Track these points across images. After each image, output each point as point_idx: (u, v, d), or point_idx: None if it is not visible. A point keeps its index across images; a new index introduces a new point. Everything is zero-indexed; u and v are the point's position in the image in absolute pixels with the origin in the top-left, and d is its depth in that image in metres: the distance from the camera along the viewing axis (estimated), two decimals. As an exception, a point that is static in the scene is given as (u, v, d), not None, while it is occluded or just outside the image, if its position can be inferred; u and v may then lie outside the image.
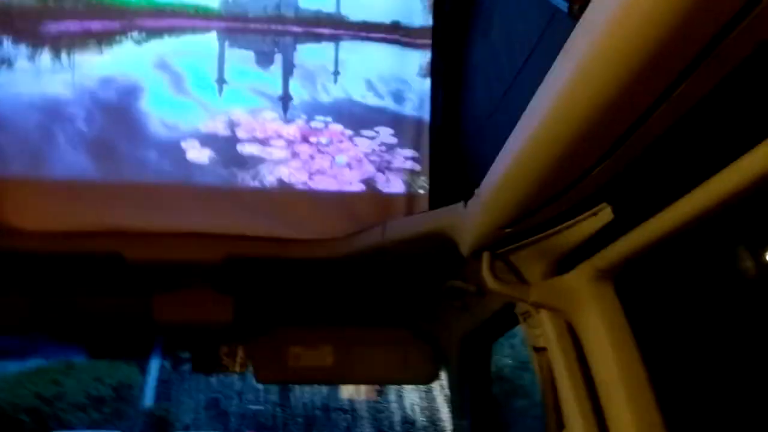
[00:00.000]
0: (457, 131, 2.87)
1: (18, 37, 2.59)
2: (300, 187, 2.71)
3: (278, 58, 2.81)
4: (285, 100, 2.79)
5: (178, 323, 2.99)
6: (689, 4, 0.86)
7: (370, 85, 2.83)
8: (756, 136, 1.20)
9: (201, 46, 2.74)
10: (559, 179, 1.40)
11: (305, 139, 2.76)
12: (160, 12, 2.71)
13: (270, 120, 2.75)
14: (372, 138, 2.79)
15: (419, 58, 2.87)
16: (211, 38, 2.75)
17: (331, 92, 2.81)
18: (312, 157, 2.74)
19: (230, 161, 2.68)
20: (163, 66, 2.70)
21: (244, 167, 2.69)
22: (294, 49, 2.82)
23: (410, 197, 2.74)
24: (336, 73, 2.83)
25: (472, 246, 1.96)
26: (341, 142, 2.78)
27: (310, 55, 2.82)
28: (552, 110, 1.24)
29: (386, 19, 2.84)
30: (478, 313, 2.77)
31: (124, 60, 2.66)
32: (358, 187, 2.74)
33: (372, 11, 2.85)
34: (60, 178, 2.56)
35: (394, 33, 2.85)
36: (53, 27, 2.63)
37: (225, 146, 2.68)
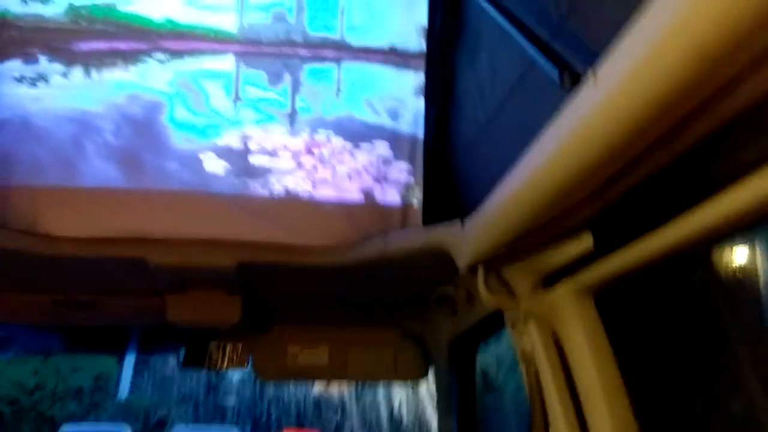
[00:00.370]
0: (447, 148, 3.10)
1: (53, 55, 2.78)
2: (305, 196, 2.89)
3: (287, 77, 3.03)
4: (292, 115, 3.02)
5: (189, 322, 3.12)
6: (664, 94, 1.05)
7: (368, 103, 3.07)
8: (723, 180, 1.30)
9: (218, 67, 2.95)
10: (548, 212, 1.58)
11: (309, 151, 2.97)
12: (182, 35, 2.92)
13: (278, 133, 2.96)
14: (369, 151, 3.00)
15: (414, 79, 3.11)
16: (228, 60, 2.97)
17: (334, 109, 3.04)
18: (315, 168, 2.95)
19: (242, 172, 2.86)
20: (183, 84, 2.90)
21: (254, 176, 2.87)
22: (301, 69, 3.05)
23: (405, 208, 2.93)
24: (338, 91, 3.08)
25: (468, 261, 2.11)
26: (341, 153, 2.98)
27: (315, 75, 3.06)
28: (548, 158, 1.41)
29: (384, 44, 3.11)
30: (466, 318, 2.91)
31: (148, 78, 2.86)
32: (358, 196, 2.92)
33: (371, 37, 3.11)
34: (90, 187, 2.71)
35: (391, 56, 3.11)
36: (85, 46, 2.82)
37: (238, 158, 2.87)
